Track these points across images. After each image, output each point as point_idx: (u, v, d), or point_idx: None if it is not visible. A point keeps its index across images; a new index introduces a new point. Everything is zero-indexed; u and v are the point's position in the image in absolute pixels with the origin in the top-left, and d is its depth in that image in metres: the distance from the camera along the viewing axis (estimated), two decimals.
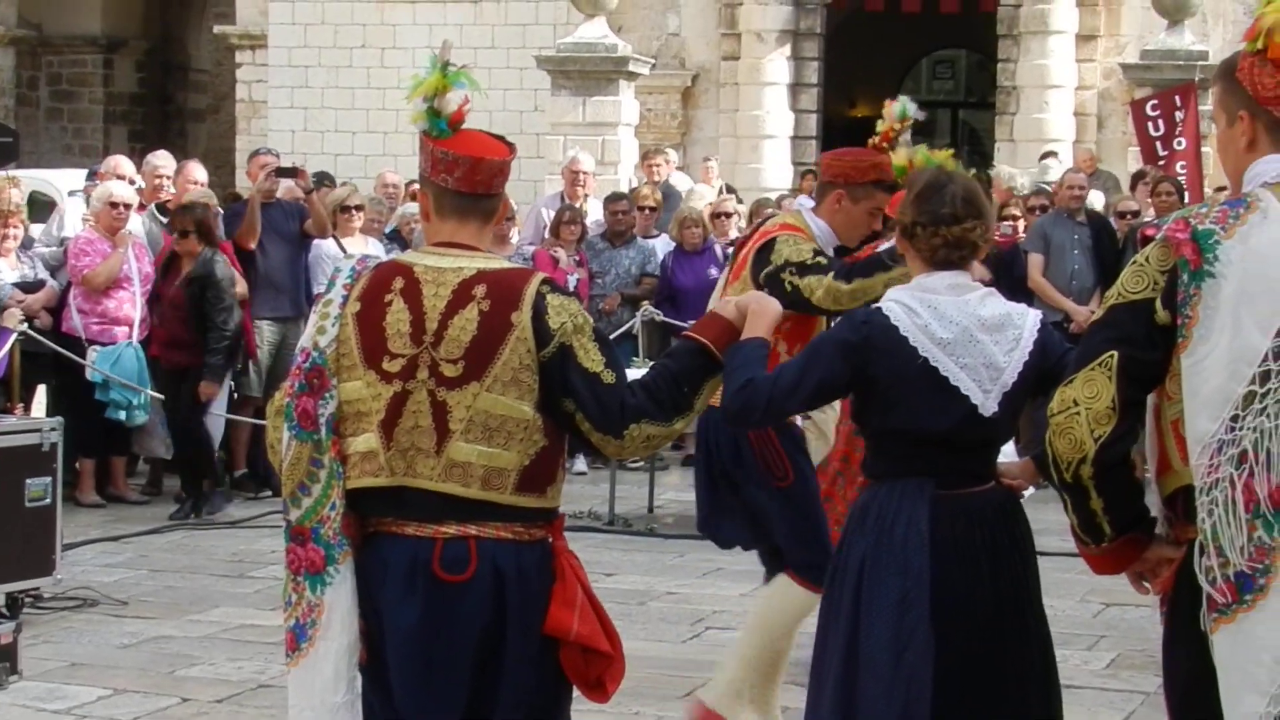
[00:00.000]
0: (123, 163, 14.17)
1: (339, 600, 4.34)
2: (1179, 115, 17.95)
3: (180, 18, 31.32)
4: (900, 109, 7.13)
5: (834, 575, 4.87)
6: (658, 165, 19.37)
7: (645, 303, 14.04)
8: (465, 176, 4.49)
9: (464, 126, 4.55)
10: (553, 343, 4.31)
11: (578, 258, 14.23)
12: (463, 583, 4.28)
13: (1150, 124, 18.13)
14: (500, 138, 4.67)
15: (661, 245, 15.12)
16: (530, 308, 4.31)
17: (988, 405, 4.66)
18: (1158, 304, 3.84)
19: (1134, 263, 4.01)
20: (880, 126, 7.62)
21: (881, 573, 4.64)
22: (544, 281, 4.40)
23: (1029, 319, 4.80)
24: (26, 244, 12.88)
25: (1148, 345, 3.87)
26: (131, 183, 13.46)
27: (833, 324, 6.22)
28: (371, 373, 4.35)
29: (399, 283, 4.40)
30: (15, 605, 8.72)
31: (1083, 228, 14.37)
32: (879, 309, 4.77)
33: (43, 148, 22.11)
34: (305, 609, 4.37)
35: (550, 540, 4.44)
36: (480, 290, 4.34)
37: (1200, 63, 19.09)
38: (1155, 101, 18.35)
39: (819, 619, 4.92)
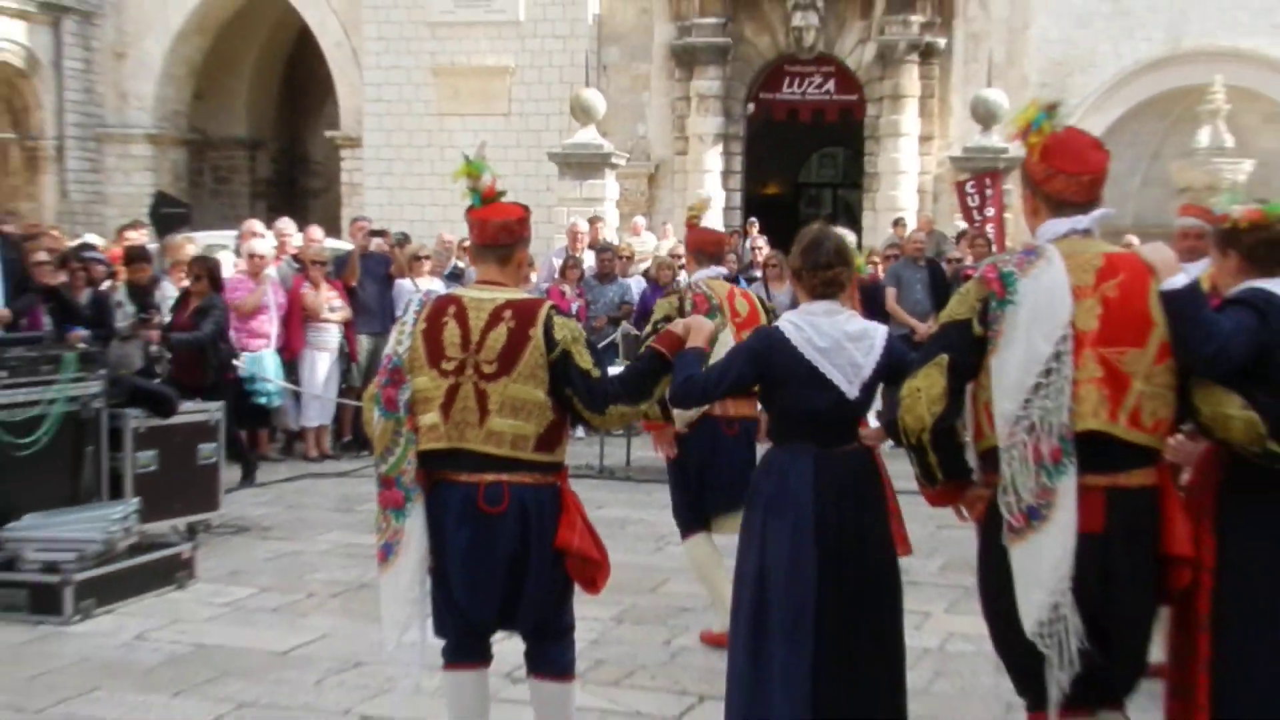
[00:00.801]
0: (255, 224, 14.15)
1: (414, 527, 4.45)
2: (988, 192, 18.17)
3: (303, 125, 31.05)
4: None
5: (749, 507, 4.75)
6: (634, 229, 19.54)
7: (624, 322, 14.15)
8: (478, 234, 4.69)
9: (499, 198, 4.69)
10: (557, 349, 4.44)
11: (578, 291, 14.31)
12: (499, 514, 4.42)
13: (968, 198, 18.32)
14: (518, 205, 4.76)
15: (634, 283, 15.16)
16: (542, 325, 4.45)
17: (851, 392, 4.57)
18: (974, 322, 3.87)
19: (958, 293, 4.07)
20: None
21: (781, 507, 4.56)
22: (551, 307, 4.56)
23: (880, 333, 4.70)
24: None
25: (967, 351, 3.89)
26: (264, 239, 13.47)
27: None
28: (434, 371, 4.46)
29: (452, 309, 4.52)
30: (193, 531, 8.94)
31: (923, 269, 14.39)
32: (777, 327, 4.72)
33: (208, 218, 22.00)
34: (391, 533, 4.46)
35: (559, 484, 4.56)
36: (508, 314, 4.46)
37: (1002, 157, 19.11)
38: (972, 183, 18.56)
39: (739, 540, 4.76)
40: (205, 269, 10.72)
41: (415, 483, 4.47)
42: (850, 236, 8.07)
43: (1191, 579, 3.93)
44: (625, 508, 10.23)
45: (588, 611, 7.06)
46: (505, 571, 4.47)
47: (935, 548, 8.96)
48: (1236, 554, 3.95)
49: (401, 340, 4.56)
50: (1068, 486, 3.73)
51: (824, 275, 4.69)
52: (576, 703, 4.85)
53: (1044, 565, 3.74)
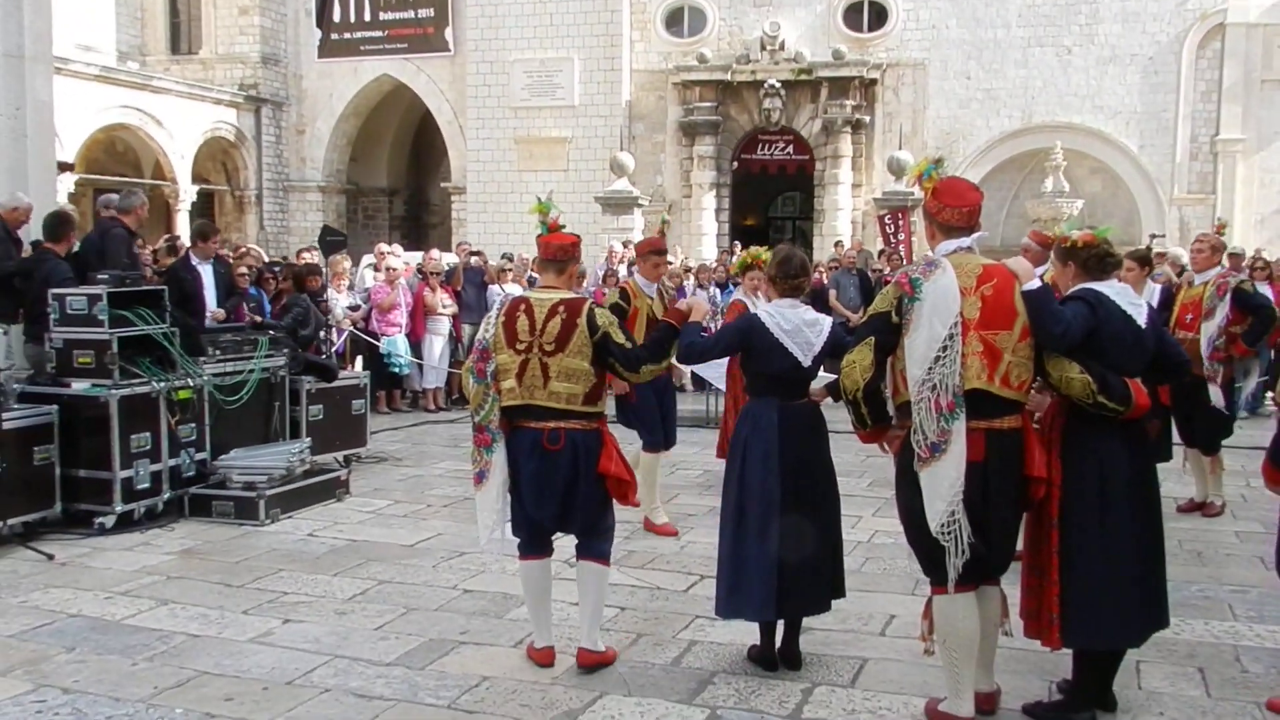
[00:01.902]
0: (383, 246, 14.11)
1: (498, 459, 4.51)
2: (900, 223, 17.91)
3: (425, 178, 31.16)
4: None
5: (731, 448, 4.72)
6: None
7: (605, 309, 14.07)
8: (544, 252, 4.71)
9: (560, 229, 4.72)
10: (599, 332, 4.47)
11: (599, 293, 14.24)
12: (558, 450, 4.46)
13: (886, 227, 18.04)
14: (573, 234, 4.77)
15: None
16: (585, 317, 4.48)
17: (805, 362, 4.57)
18: (892, 314, 3.85)
19: (881, 294, 4.06)
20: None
21: (755, 444, 4.56)
22: (591, 304, 4.57)
23: (827, 322, 4.68)
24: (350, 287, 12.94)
25: (888, 334, 3.86)
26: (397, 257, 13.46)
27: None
28: (511, 350, 4.49)
29: (523, 306, 4.54)
30: (348, 461, 8.90)
31: (854, 276, 14.26)
32: (756, 315, 4.67)
33: (359, 244, 22.05)
34: (484, 463, 4.53)
35: (600, 428, 4.57)
36: (562, 309, 4.49)
37: (910, 198, 18.90)
38: (889, 216, 18.27)
39: (725, 474, 4.75)
40: (292, 274, 10.09)
41: (499, 429, 4.50)
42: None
43: (1045, 492, 3.92)
44: (625, 437, 10.10)
45: (622, 517, 7.05)
46: (562, 489, 4.48)
47: (864, 471, 8.92)
48: (1074, 473, 3.93)
49: (488, 329, 4.57)
50: (959, 429, 3.72)
51: (792, 282, 4.70)
52: (611, 580, 4.84)
53: (943, 484, 3.73)
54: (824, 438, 4.73)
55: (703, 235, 23.82)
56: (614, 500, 4.64)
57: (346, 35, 27.15)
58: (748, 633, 4.83)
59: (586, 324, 4.47)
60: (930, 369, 3.72)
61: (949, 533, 3.73)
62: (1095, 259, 4.10)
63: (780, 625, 4.66)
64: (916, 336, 3.76)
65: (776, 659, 4.62)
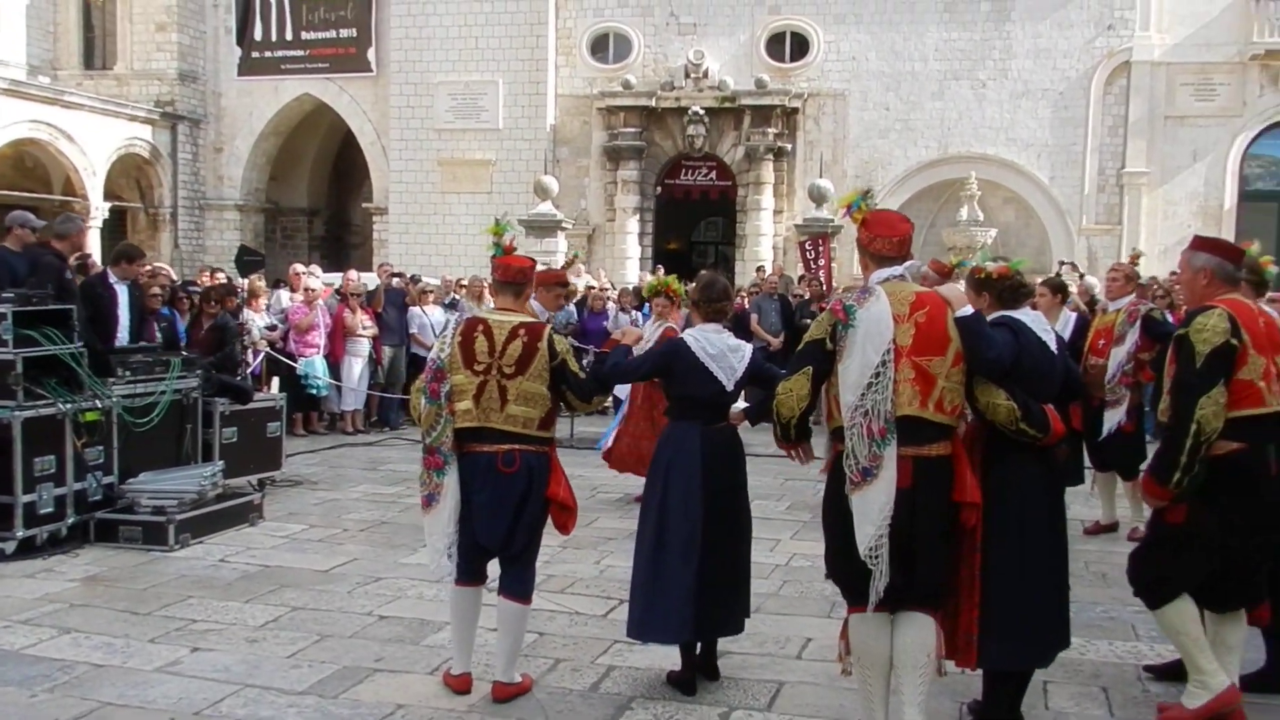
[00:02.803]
0: (299, 267, 13.89)
1: (450, 483, 4.43)
2: (821, 249, 18.11)
3: (347, 198, 30.79)
4: None
5: (652, 472, 4.73)
6: (576, 272, 19.38)
7: (569, 337, 14.01)
8: (501, 274, 4.66)
9: (515, 252, 4.70)
10: (557, 359, 4.47)
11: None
12: (513, 473, 4.42)
13: (807, 253, 18.22)
14: (529, 257, 4.79)
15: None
16: (546, 341, 4.47)
17: (729, 386, 4.63)
18: (826, 340, 3.84)
19: (816, 320, 4.01)
20: None
21: (679, 469, 4.59)
22: (551, 329, 4.56)
23: (748, 349, 4.75)
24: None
25: (823, 361, 3.85)
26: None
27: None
28: (468, 371, 4.44)
29: (481, 327, 4.49)
30: (262, 484, 8.71)
31: (776, 301, 14.40)
32: (682, 339, 4.72)
33: (280, 266, 21.70)
34: (434, 486, 4.44)
35: (550, 452, 4.55)
36: (522, 332, 4.47)
37: (830, 225, 19.17)
38: (809, 242, 18.43)
39: (643, 496, 4.80)
40: (216, 295, 10.21)
41: (451, 451, 4.42)
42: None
43: (976, 518, 3.91)
44: (569, 467, 9.91)
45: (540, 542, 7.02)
46: (513, 512, 4.44)
47: (783, 494, 9.00)
48: (995, 497, 3.93)
49: (443, 349, 4.51)
50: (890, 454, 3.71)
51: (716, 306, 4.77)
52: (530, 615, 4.74)
53: (873, 509, 3.71)
54: (742, 461, 4.79)
55: (626, 259, 23.90)
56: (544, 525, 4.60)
57: (267, 54, 26.80)
58: (665, 657, 4.84)
59: (547, 349, 4.45)
60: (863, 395, 3.72)
61: (876, 556, 3.72)
62: (1009, 290, 4.21)
63: (698, 645, 4.69)
64: (850, 363, 3.76)
65: (695, 682, 4.63)
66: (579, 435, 11.99)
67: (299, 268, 13.79)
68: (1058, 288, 7.95)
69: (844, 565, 3.88)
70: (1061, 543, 4.13)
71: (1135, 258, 8.54)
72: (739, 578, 4.69)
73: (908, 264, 4.03)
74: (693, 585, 4.49)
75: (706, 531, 4.54)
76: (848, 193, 4.18)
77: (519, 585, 4.56)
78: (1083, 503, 8.12)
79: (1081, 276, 12.05)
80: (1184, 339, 4.09)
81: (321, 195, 30.39)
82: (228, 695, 4.50)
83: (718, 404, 4.67)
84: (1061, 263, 20.46)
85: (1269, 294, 5.51)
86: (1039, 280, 8.75)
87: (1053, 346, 4.11)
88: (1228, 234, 21.41)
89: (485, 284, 14.09)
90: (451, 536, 4.45)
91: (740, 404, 4.93)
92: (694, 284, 5.04)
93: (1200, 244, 4.37)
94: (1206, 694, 4.14)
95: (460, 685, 4.56)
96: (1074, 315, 7.85)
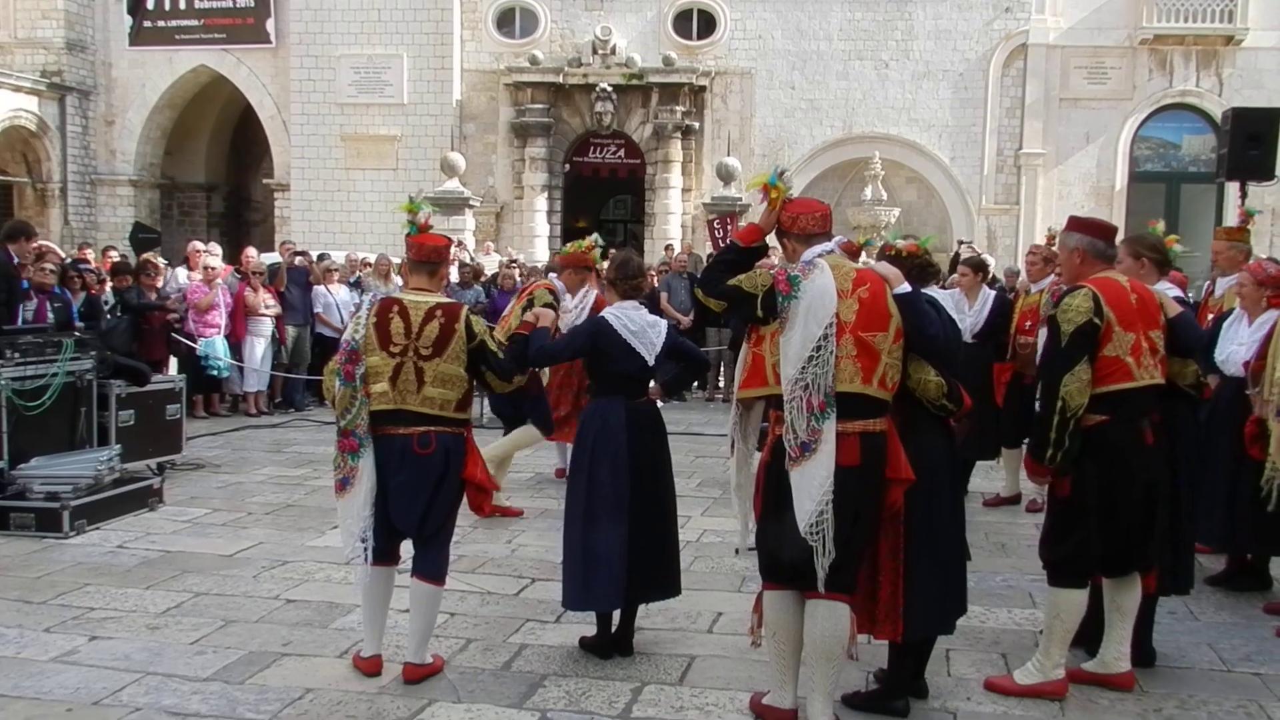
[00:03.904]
0: (199, 245, 13.44)
1: (365, 466, 4.36)
2: (729, 228, 18.18)
3: (247, 174, 29.91)
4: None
5: (578, 447, 4.79)
6: (485, 250, 19.27)
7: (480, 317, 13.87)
8: (416, 253, 4.59)
9: (430, 230, 4.63)
10: (476, 340, 4.44)
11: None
12: (429, 454, 4.37)
13: (715, 230, 18.32)
14: (445, 235, 4.79)
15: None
16: (464, 322, 4.43)
17: (650, 361, 4.73)
18: (758, 296, 3.83)
19: (749, 274, 3.92)
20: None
21: (604, 444, 4.66)
22: (468, 310, 4.54)
23: (663, 324, 4.84)
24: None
25: (742, 303, 3.89)
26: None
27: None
28: (384, 352, 4.37)
29: (396, 308, 4.42)
30: (161, 468, 8.50)
31: (685, 279, 14.44)
32: (603, 317, 4.78)
33: (176, 244, 21.07)
34: (348, 470, 4.36)
35: (466, 434, 4.50)
36: (439, 313, 4.42)
37: (738, 204, 19.36)
38: (717, 220, 18.59)
39: (569, 472, 4.87)
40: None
41: (367, 433, 4.35)
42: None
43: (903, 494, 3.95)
44: (480, 447, 10.00)
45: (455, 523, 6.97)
46: (429, 494, 4.40)
47: (694, 471, 9.07)
48: (914, 467, 3.96)
49: (358, 330, 4.42)
50: (830, 429, 3.71)
51: (632, 283, 4.87)
52: (442, 595, 4.71)
53: (814, 484, 3.71)
54: (664, 435, 4.88)
55: (535, 237, 23.77)
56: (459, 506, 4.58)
57: (160, 23, 25.91)
58: (579, 634, 4.88)
59: (465, 330, 4.41)
60: (803, 368, 3.71)
61: (816, 533, 3.72)
62: (919, 268, 4.30)
63: (617, 614, 4.78)
64: (792, 336, 3.75)
65: (611, 647, 4.72)
66: (489, 416, 11.92)
67: (198, 245, 13.42)
68: (978, 266, 8.12)
69: (773, 542, 3.90)
70: (961, 512, 4.28)
71: (1051, 238, 8.73)
72: (667, 547, 4.81)
73: (837, 239, 4.05)
74: (623, 553, 4.57)
75: (634, 502, 4.62)
76: (759, 173, 4.14)
77: (432, 567, 4.53)
78: (983, 476, 8.35)
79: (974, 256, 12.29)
80: (1053, 320, 4.22)
81: (220, 170, 29.53)
82: (128, 684, 4.39)
83: (640, 379, 4.77)
84: (961, 242, 20.95)
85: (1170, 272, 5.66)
86: (962, 259, 8.95)
87: (959, 325, 4.23)
88: (1118, 214, 22.19)
89: (391, 263, 13.94)
90: (367, 520, 4.37)
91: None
92: (609, 263, 5.08)
93: (1073, 224, 4.48)
94: (1040, 677, 4.33)
95: (370, 668, 4.51)
96: (993, 294, 8.02)
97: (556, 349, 4.85)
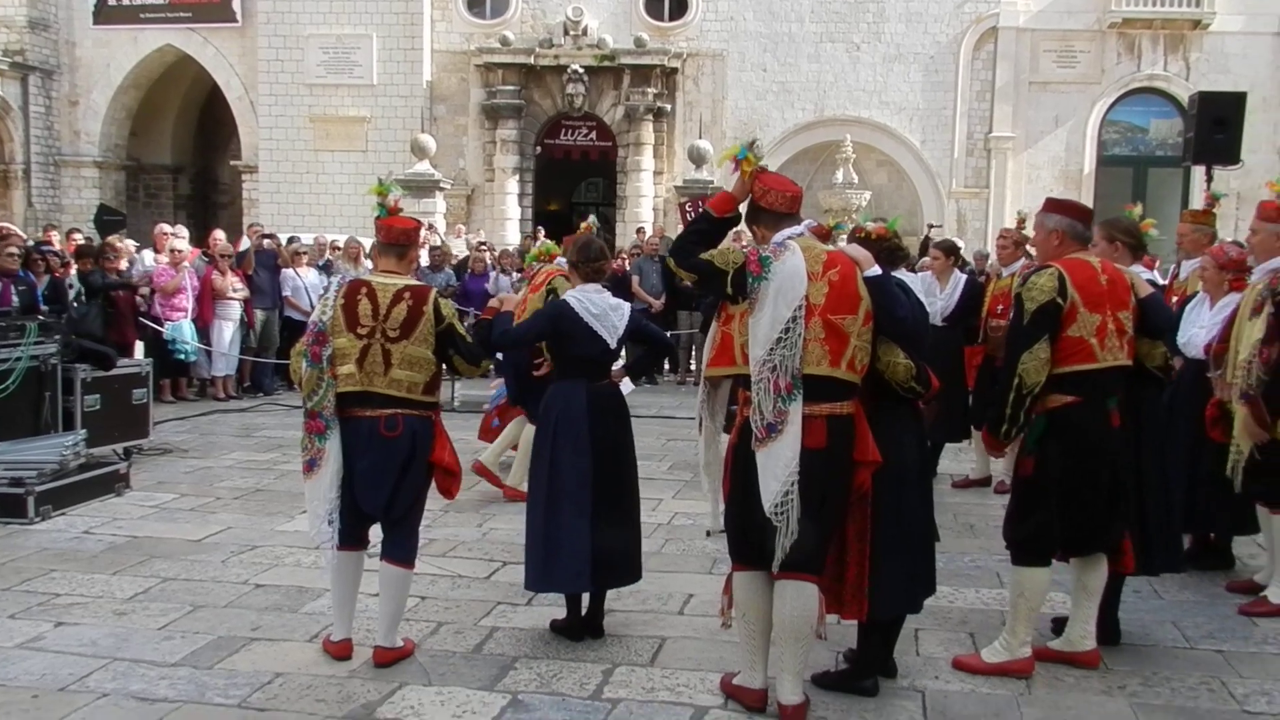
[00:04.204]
0: (166, 228, 13.21)
1: (332, 447, 4.34)
2: (700, 210, 18.18)
3: (214, 155, 29.49)
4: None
5: (541, 430, 4.79)
6: (456, 233, 19.15)
7: (449, 299, 13.79)
8: (385, 236, 4.57)
9: (400, 213, 4.62)
10: (445, 323, 4.45)
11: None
12: (396, 437, 4.36)
13: (687, 214, 18.21)
14: (414, 218, 4.75)
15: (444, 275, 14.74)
16: (432, 305, 4.42)
17: (612, 344, 4.73)
18: (728, 273, 3.81)
19: (721, 250, 3.89)
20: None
21: (566, 427, 4.66)
22: (438, 293, 4.54)
23: (626, 306, 4.84)
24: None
25: (713, 278, 3.85)
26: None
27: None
28: (351, 334, 4.37)
29: (364, 290, 4.41)
30: (128, 453, 8.44)
31: (657, 263, 14.40)
32: (565, 300, 4.77)
33: (142, 227, 20.82)
34: (315, 452, 4.34)
35: (434, 417, 4.50)
36: (407, 295, 4.41)
37: (710, 186, 19.32)
38: (689, 203, 18.45)
39: (533, 453, 4.82)
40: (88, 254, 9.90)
41: (334, 415, 4.33)
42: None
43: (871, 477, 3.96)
44: (451, 430, 9.88)
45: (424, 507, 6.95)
46: (395, 477, 4.39)
47: (665, 455, 9.10)
48: (880, 450, 3.98)
49: (325, 312, 4.40)
50: (796, 410, 3.72)
51: (594, 266, 4.85)
52: (412, 580, 4.72)
53: (779, 465, 3.73)
54: (627, 418, 4.89)
55: (506, 220, 23.66)
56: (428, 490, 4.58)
57: (125, 1, 25.51)
58: (550, 616, 4.90)
59: (433, 313, 4.41)
60: (771, 349, 3.71)
61: (781, 513, 3.73)
62: (888, 251, 4.30)
63: (586, 598, 4.79)
64: (761, 316, 3.74)
65: (582, 629, 4.74)
66: (460, 399, 11.90)
67: (164, 228, 13.26)
68: (950, 250, 8.17)
69: (741, 522, 3.92)
70: (929, 493, 4.31)
71: (1021, 222, 8.78)
72: (630, 530, 4.82)
73: (807, 222, 4.04)
74: (586, 538, 4.58)
75: (597, 486, 4.64)
76: (731, 146, 4.09)
77: (401, 550, 4.52)
78: (951, 458, 8.42)
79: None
80: (1019, 297, 4.26)
81: (187, 152, 29.15)
82: (95, 670, 4.35)
83: (602, 362, 4.77)
84: (930, 225, 21.08)
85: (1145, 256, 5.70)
86: (934, 242, 8.98)
87: (927, 308, 4.25)
88: (1087, 197, 22.32)
89: (361, 246, 13.84)
90: (333, 502, 4.35)
91: (620, 362, 5.03)
92: (570, 246, 5.07)
93: (1053, 206, 4.51)
94: (1007, 655, 4.39)
95: (340, 652, 4.49)
96: (964, 277, 8.06)
97: (519, 333, 4.88)
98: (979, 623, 5.04)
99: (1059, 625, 4.75)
